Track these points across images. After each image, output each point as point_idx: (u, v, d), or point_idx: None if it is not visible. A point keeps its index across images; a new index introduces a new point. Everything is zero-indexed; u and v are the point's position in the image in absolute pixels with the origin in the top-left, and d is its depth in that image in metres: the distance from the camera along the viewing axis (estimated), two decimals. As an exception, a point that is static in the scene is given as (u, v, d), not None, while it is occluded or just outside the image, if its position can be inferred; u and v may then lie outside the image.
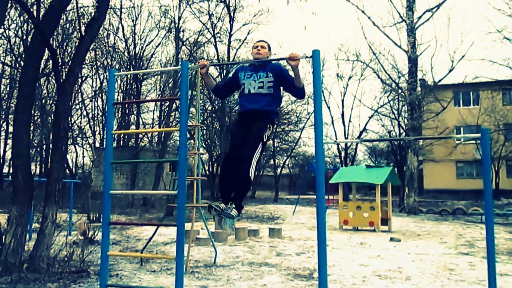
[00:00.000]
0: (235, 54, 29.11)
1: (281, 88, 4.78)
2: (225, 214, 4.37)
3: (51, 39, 11.22)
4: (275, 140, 36.68)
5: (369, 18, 24.12)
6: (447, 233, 13.74)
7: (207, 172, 36.00)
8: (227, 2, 23.80)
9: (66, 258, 7.39)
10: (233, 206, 4.40)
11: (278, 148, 38.66)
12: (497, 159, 30.69)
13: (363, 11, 24.18)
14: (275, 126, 32.04)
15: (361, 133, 35.48)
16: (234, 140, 4.69)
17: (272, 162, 39.38)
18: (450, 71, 23.14)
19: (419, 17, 23.60)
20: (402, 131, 32.54)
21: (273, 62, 4.79)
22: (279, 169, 40.14)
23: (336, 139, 36.38)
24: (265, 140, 4.59)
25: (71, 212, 13.66)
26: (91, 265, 7.60)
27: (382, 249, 10.52)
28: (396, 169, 27.21)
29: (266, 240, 11.87)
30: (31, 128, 12.92)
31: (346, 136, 35.68)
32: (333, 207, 21.93)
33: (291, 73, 4.59)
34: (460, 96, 35.48)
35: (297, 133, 37.02)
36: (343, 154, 36.58)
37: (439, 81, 24.09)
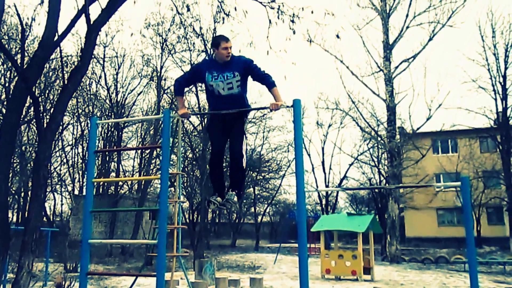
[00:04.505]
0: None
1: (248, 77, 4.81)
2: (230, 201, 4.62)
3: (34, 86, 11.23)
4: (256, 187, 36.48)
5: (347, 67, 24.78)
6: (430, 282, 13.66)
7: (187, 221, 35.58)
8: (209, 52, 24.17)
9: (40, 311, 7.15)
10: (235, 193, 4.64)
11: (258, 196, 38.40)
12: (478, 206, 30.83)
13: (341, 61, 24.85)
14: (257, 174, 31.78)
15: (341, 180, 35.64)
16: (218, 138, 4.85)
17: (252, 210, 39.05)
18: (428, 119, 23.64)
19: (396, 67, 24.36)
20: (382, 178, 32.75)
21: (235, 57, 4.77)
22: (260, 217, 39.81)
23: (317, 186, 36.45)
24: (245, 131, 4.91)
25: (47, 261, 13.28)
26: (66, 318, 7.35)
27: (365, 298, 10.40)
28: (377, 217, 27.19)
29: (247, 290, 11.66)
30: (10, 175, 12.73)
31: (327, 184, 35.79)
32: (314, 255, 21.71)
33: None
34: (439, 144, 36.05)
35: (278, 181, 36.94)
36: (324, 201, 36.56)
37: (418, 129, 24.55)
